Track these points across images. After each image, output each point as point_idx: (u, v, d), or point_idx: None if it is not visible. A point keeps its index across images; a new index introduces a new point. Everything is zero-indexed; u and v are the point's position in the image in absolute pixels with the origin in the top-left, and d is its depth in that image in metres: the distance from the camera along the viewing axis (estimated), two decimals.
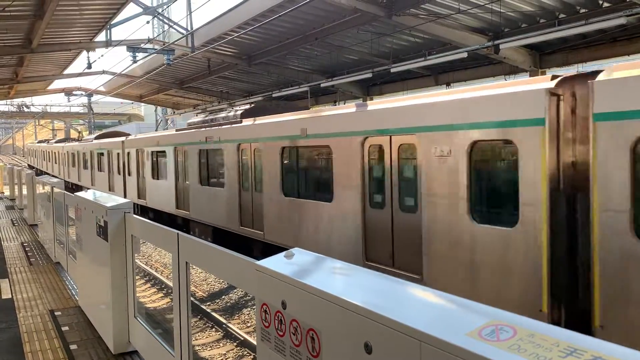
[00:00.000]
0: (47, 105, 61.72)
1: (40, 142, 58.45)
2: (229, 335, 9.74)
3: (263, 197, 11.24)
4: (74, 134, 50.94)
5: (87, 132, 53.09)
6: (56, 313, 6.65)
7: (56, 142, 42.41)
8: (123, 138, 22.28)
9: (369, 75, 18.22)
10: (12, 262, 9.82)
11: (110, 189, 23.42)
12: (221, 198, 13.05)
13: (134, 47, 19.36)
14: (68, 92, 37.52)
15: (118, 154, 21.95)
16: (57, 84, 36.13)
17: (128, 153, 20.76)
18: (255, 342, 8.87)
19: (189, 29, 19.70)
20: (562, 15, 13.78)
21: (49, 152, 42.94)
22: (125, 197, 20.13)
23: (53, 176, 31.16)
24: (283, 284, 2.42)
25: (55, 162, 38.71)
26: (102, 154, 24.64)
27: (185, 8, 19.28)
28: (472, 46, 14.73)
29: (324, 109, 10.12)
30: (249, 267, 2.81)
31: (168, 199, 16.54)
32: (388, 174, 7.94)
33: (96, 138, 28.16)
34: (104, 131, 34.62)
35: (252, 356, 8.84)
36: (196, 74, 27.86)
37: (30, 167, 51.35)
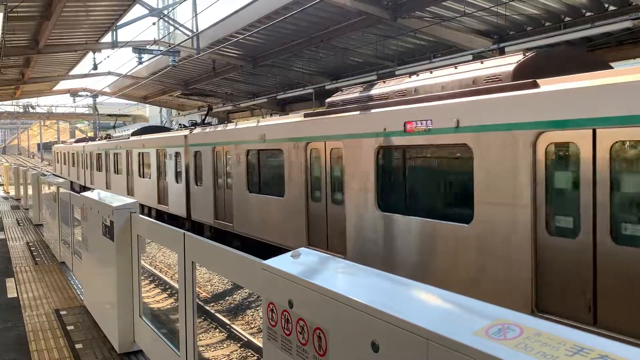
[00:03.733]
0: (52, 105, 62.09)
1: (79, 140, 37.20)
2: (233, 336, 9.75)
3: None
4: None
5: (92, 132, 52.79)
6: (61, 312, 6.68)
7: (136, 135, 22.72)
8: None
9: (374, 77, 18.24)
10: (17, 262, 9.86)
11: None
12: None
13: (139, 49, 19.45)
14: (73, 92, 37.68)
15: None
16: (63, 84, 36.32)
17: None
18: (259, 343, 8.93)
19: (195, 30, 19.76)
20: (567, 19, 13.75)
21: (119, 156, 23.56)
22: None
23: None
24: (290, 283, 2.43)
25: (142, 175, 20.61)
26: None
27: (191, 10, 19.35)
28: (477, 49, 14.72)
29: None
30: (255, 266, 2.82)
31: None
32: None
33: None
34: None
35: (255, 357, 8.84)
36: (201, 76, 27.93)
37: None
